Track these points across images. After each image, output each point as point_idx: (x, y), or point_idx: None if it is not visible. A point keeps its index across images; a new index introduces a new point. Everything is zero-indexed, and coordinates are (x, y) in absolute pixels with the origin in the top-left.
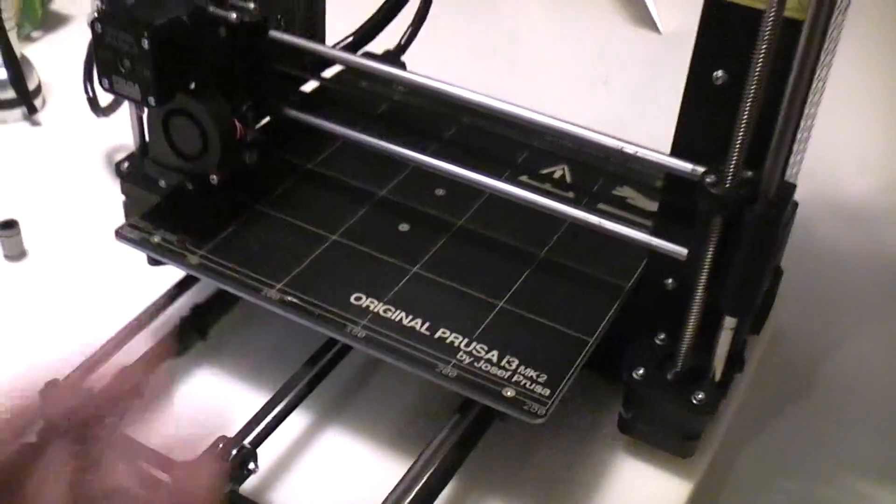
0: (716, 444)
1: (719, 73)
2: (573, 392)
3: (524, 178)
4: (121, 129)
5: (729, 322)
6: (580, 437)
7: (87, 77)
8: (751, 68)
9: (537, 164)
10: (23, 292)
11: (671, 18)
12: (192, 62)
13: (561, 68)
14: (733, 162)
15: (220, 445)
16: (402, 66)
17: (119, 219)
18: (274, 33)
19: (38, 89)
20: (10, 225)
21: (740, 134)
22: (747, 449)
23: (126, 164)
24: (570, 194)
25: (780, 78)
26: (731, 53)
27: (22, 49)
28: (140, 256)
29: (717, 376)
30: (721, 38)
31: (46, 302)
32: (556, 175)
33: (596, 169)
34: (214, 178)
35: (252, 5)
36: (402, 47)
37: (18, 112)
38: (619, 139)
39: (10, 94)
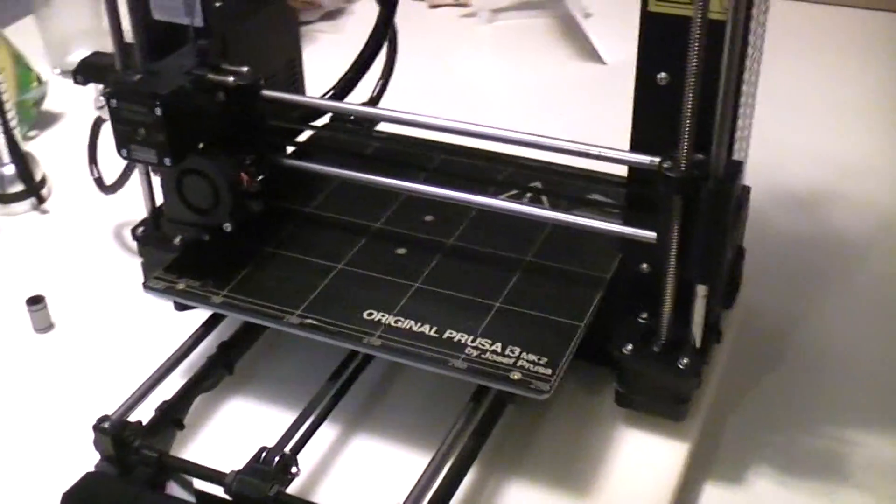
0: (705, 409)
1: (662, 74)
2: (570, 379)
3: (504, 194)
4: (122, 206)
5: (701, 290)
6: (582, 417)
7: (92, 160)
8: (687, 67)
9: (514, 182)
10: (53, 362)
11: (614, 50)
12: (198, 124)
13: (518, 104)
14: (684, 148)
15: (264, 454)
16: None
17: (134, 281)
18: (266, 92)
19: (44, 181)
20: (38, 300)
21: (687, 123)
22: (734, 412)
23: (141, 229)
24: (547, 203)
25: (714, 71)
26: (669, 56)
27: (30, 147)
28: (158, 314)
29: (697, 342)
30: (659, 44)
31: (76, 368)
32: (532, 188)
33: (567, 180)
34: (228, 227)
35: (245, 69)
36: (374, 100)
37: (27, 203)
38: (584, 143)
39: (18, 187)
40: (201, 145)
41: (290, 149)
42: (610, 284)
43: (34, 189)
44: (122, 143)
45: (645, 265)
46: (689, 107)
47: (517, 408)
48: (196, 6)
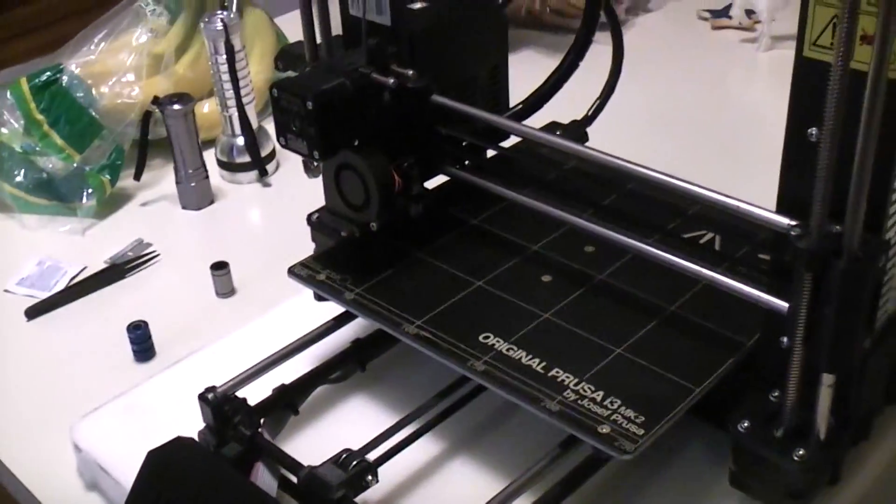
0: None
1: (813, 130)
2: (695, 444)
3: (670, 240)
4: None
5: (827, 379)
6: (692, 488)
7: None
8: (825, 121)
9: (686, 230)
10: (231, 324)
11: None
12: (356, 122)
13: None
14: (818, 216)
15: (344, 456)
16: (585, 135)
17: None
18: (437, 98)
19: (272, 155)
20: (222, 266)
21: (821, 187)
22: None
23: (316, 216)
24: (712, 257)
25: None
26: (822, 110)
27: (265, 123)
28: None
29: (822, 435)
30: (812, 95)
31: (248, 331)
32: (703, 240)
33: (745, 236)
34: (374, 226)
35: (411, 72)
36: (588, 118)
37: (252, 175)
38: (724, 195)
39: (246, 158)
40: (358, 142)
41: (476, 160)
42: (749, 352)
43: (259, 162)
44: (281, 131)
45: (785, 338)
46: (825, 168)
47: (626, 465)
48: (384, 5)
